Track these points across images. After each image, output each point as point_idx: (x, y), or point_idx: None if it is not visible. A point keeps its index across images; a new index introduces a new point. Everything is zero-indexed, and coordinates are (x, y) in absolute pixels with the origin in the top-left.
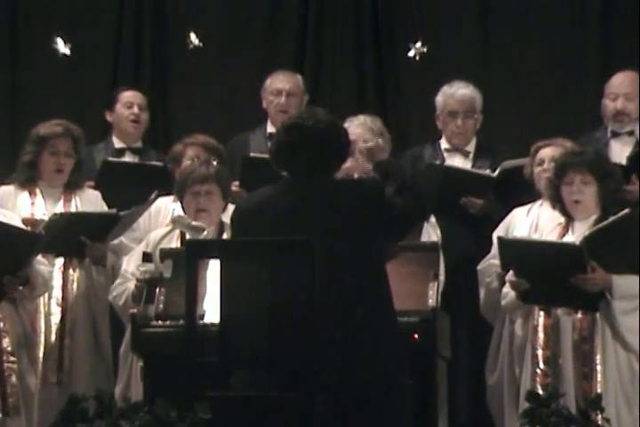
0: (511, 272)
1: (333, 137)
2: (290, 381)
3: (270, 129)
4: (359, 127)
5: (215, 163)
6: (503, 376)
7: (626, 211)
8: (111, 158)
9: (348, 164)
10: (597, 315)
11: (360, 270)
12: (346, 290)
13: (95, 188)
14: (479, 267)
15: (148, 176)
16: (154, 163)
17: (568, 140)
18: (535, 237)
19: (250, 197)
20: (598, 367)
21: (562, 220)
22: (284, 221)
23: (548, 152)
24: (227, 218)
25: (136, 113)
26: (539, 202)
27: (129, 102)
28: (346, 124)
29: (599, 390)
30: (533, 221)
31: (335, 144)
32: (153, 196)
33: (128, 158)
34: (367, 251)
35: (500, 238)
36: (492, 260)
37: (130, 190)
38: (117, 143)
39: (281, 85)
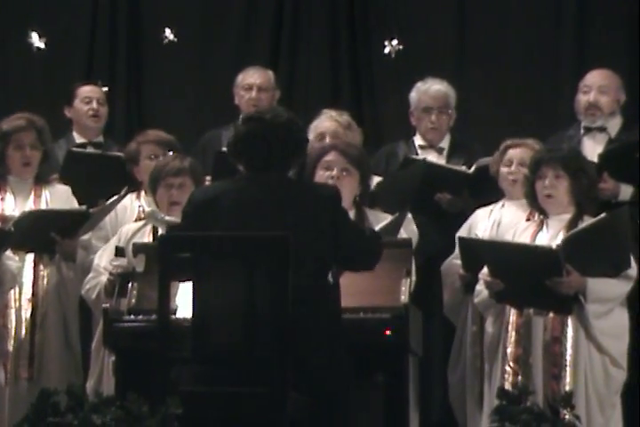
0: (486, 271)
1: (291, 131)
2: (260, 376)
3: None
4: (326, 121)
5: (171, 153)
6: (466, 375)
7: (603, 215)
8: (75, 149)
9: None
10: (569, 316)
11: (306, 268)
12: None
13: (60, 180)
14: (442, 267)
15: (111, 167)
16: (116, 153)
17: (538, 142)
18: (508, 236)
19: (204, 190)
20: (568, 368)
21: (524, 220)
22: (237, 215)
23: (518, 154)
24: None
25: (95, 108)
26: (500, 203)
27: (87, 98)
28: (314, 123)
29: (567, 391)
30: (495, 222)
31: (292, 139)
32: (123, 192)
33: None
34: (315, 250)
35: (461, 239)
36: (455, 260)
37: (94, 181)
38: (78, 138)
39: (252, 80)
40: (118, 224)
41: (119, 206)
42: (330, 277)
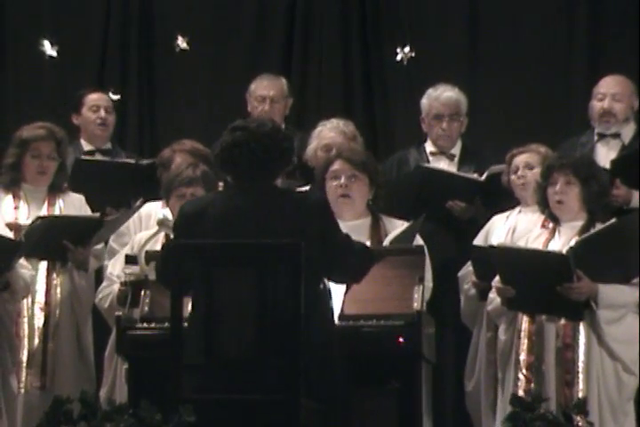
0: (498, 278)
1: (275, 140)
2: (273, 383)
3: None
4: (332, 131)
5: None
6: (481, 382)
7: (613, 220)
8: (83, 156)
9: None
10: (580, 322)
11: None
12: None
13: (69, 188)
14: (459, 274)
15: (122, 174)
16: (126, 160)
17: (542, 146)
18: (521, 243)
19: (193, 202)
20: (580, 375)
21: (539, 226)
22: (225, 225)
23: (523, 159)
24: None
25: (103, 117)
26: (517, 209)
27: (95, 106)
28: (318, 128)
29: (581, 397)
30: (511, 228)
31: (277, 148)
32: (138, 203)
33: None
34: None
35: (474, 247)
36: (471, 267)
37: (103, 188)
38: (86, 146)
39: (265, 92)
40: (142, 231)
41: (144, 214)
42: (321, 284)
